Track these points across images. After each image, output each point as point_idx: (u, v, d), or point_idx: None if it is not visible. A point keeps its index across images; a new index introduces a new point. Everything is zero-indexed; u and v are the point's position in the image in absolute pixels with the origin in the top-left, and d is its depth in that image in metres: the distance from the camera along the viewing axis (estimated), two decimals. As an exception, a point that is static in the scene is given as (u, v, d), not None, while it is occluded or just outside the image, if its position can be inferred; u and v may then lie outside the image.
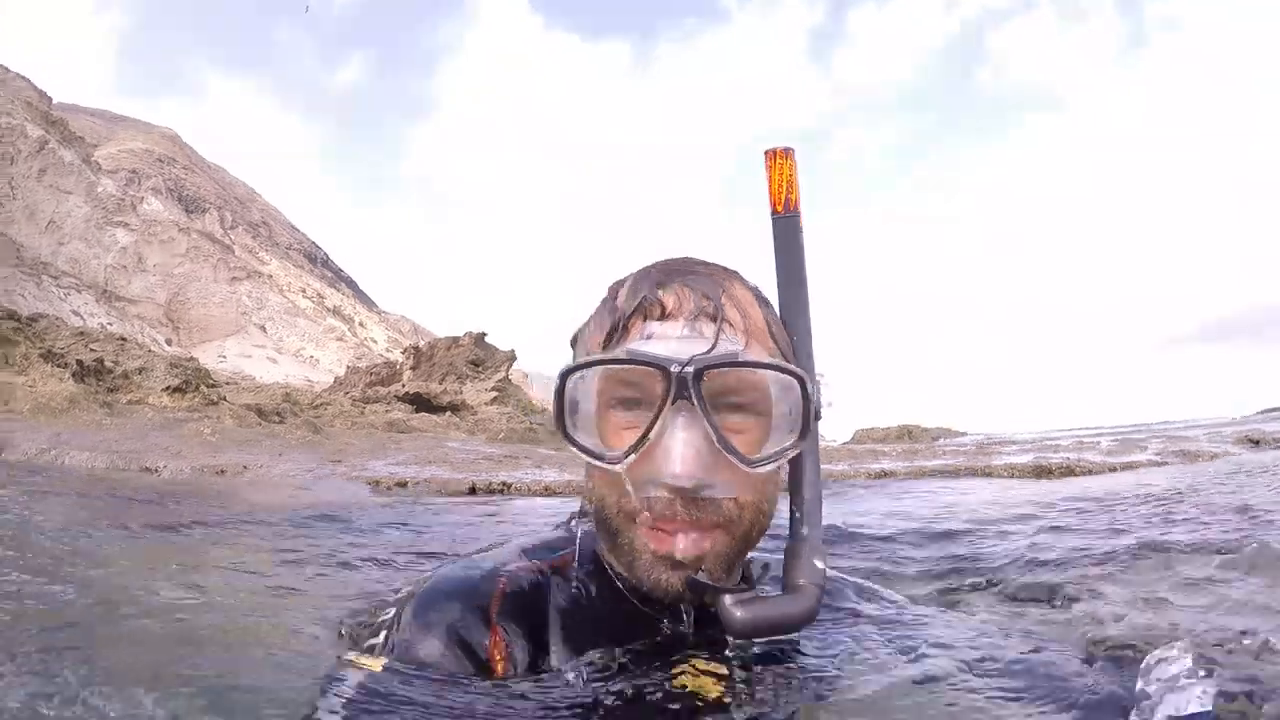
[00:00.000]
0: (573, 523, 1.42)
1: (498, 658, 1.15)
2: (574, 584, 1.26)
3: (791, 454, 1.23)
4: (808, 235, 1.34)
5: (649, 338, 1.18)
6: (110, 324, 40.61)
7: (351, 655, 1.18)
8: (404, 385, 36.54)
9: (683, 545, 1.12)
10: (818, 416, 1.27)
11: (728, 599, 1.16)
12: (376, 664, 1.12)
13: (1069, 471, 7.77)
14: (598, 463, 1.17)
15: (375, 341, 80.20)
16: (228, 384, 24.25)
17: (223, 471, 9.12)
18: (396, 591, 1.34)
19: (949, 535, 4.19)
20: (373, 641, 1.23)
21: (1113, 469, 7.75)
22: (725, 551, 1.17)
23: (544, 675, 1.15)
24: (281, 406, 16.47)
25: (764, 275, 1.38)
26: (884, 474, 8.26)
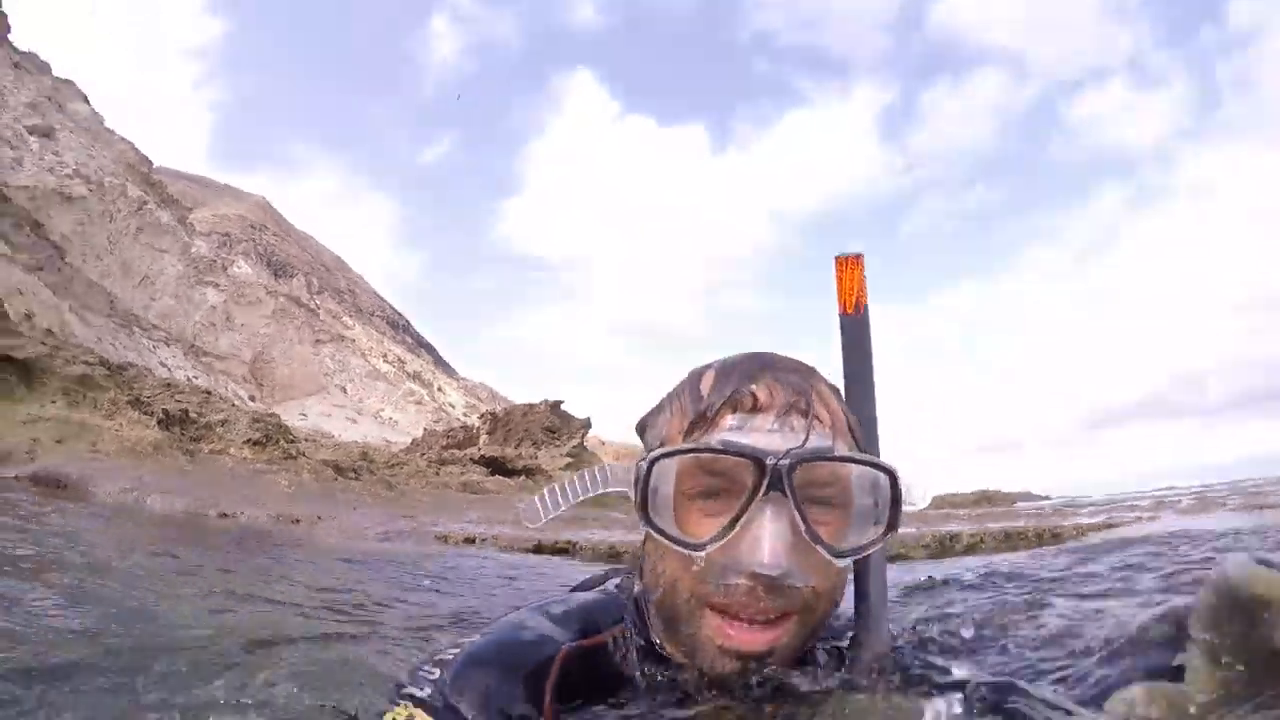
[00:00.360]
0: (609, 583, 1.42)
1: None
2: (624, 660, 1.24)
3: (877, 546, 1.24)
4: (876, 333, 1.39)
5: (739, 429, 1.19)
6: (196, 378, 41.53)
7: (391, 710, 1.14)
8: (480, 449, 36.73)
9: (749, 640, 1.10)
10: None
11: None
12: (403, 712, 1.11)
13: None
14: (681, 549, 1.15)
15: (453, 406, 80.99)
16: (307, 440, 24.45)
17: (297, 521, 8.92)
18: (453, 647, 1.24)
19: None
20: (413, 691, 1.16)
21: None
22: (795, 643, 1.16)
23: None
24: (358, 464, 16.55)
25: (825, 366, 1.41)
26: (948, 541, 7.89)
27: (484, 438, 41.46)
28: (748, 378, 1.23)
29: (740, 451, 1.13)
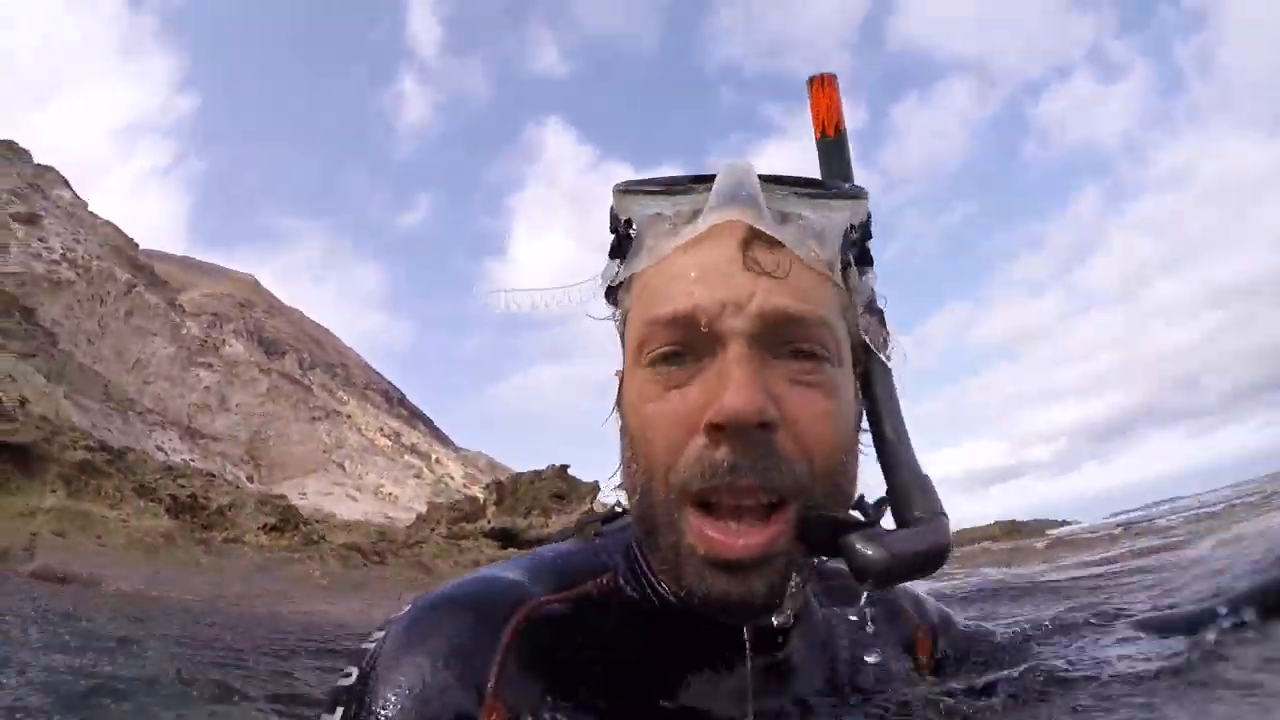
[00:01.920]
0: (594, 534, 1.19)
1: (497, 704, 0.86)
2: (610, 615, 1.03)
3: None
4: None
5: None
6: (194, 460, 41.05)
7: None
8: (489, 520, 36.24)
9: (735, 546, 0.91)
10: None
11: (855, 538, 0.95)
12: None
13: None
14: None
15: (453, 478, 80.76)
16: (317, 521, 24.09)
17: (343, 625, 8.20)
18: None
19: None
20: (343, 682, 0.92)
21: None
22: (793, 551, 0.94)
23: None
24: (380, 545, 16.21)
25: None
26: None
27: (492, 509, 40.96)
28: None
29: (696, 178, 1.01)
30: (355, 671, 0.91)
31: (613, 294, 1.13)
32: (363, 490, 63.77)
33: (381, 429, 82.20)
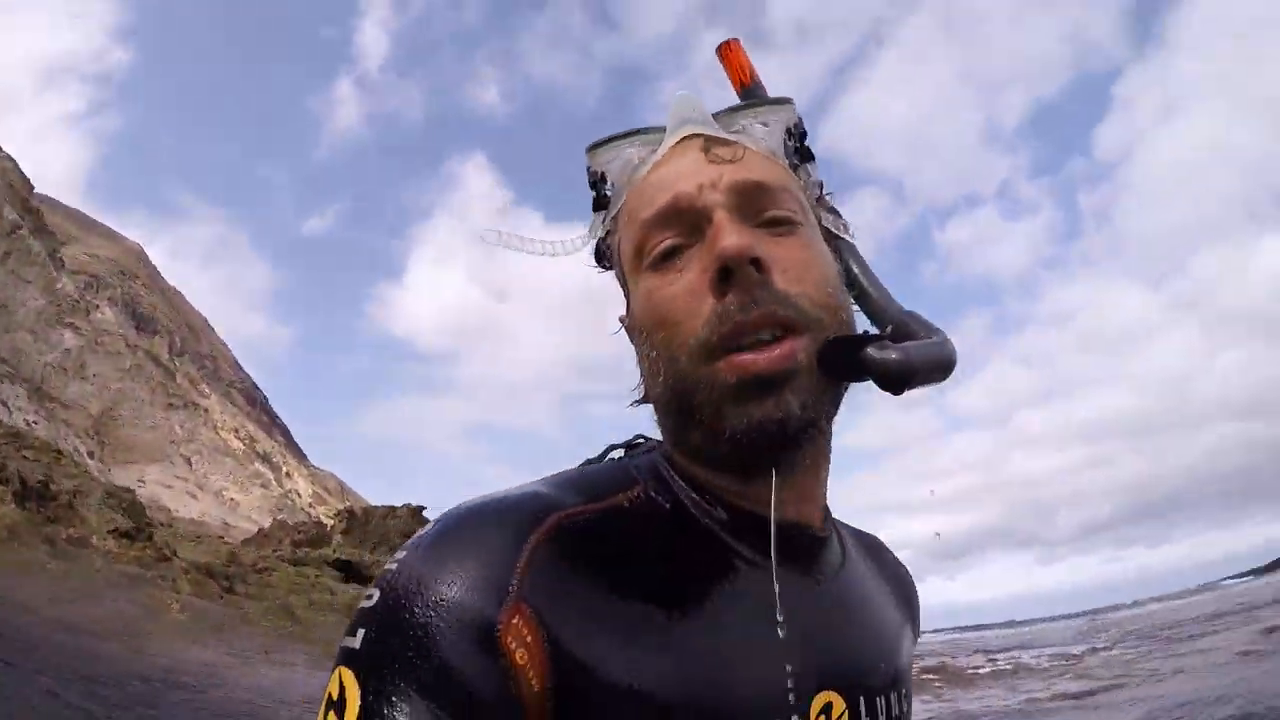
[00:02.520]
0: (612, 456, 1.18)
1: (520, 652, 0.83)
2: (646, 523, 0.99)
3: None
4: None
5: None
6: (36, 423, 38.75)
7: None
8: (334, 550, 35.10)
9: (767, 356, 0.93)
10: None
11: (872, 348, 0.98)
12: (352, 692, 0.81)
13: None
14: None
15: (299, 495, 78.07)
16: (163, 524, 22.97)
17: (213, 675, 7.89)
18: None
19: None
20: (366, 600, 0.88)
21: None
22: (813, 368, 0.95)
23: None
24: (231, 570, 15.68)
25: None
26: None
27: (339, 537, 39.77)
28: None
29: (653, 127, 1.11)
30: (377, 593, 0.89)
31: (603, 257, 1.20)
32: (204, 490, 60.83)
33: (237, 431, 78.97)
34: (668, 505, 1.03)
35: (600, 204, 1.12)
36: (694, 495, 1.03)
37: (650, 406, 1.10)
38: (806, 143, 1.16)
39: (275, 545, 34.74)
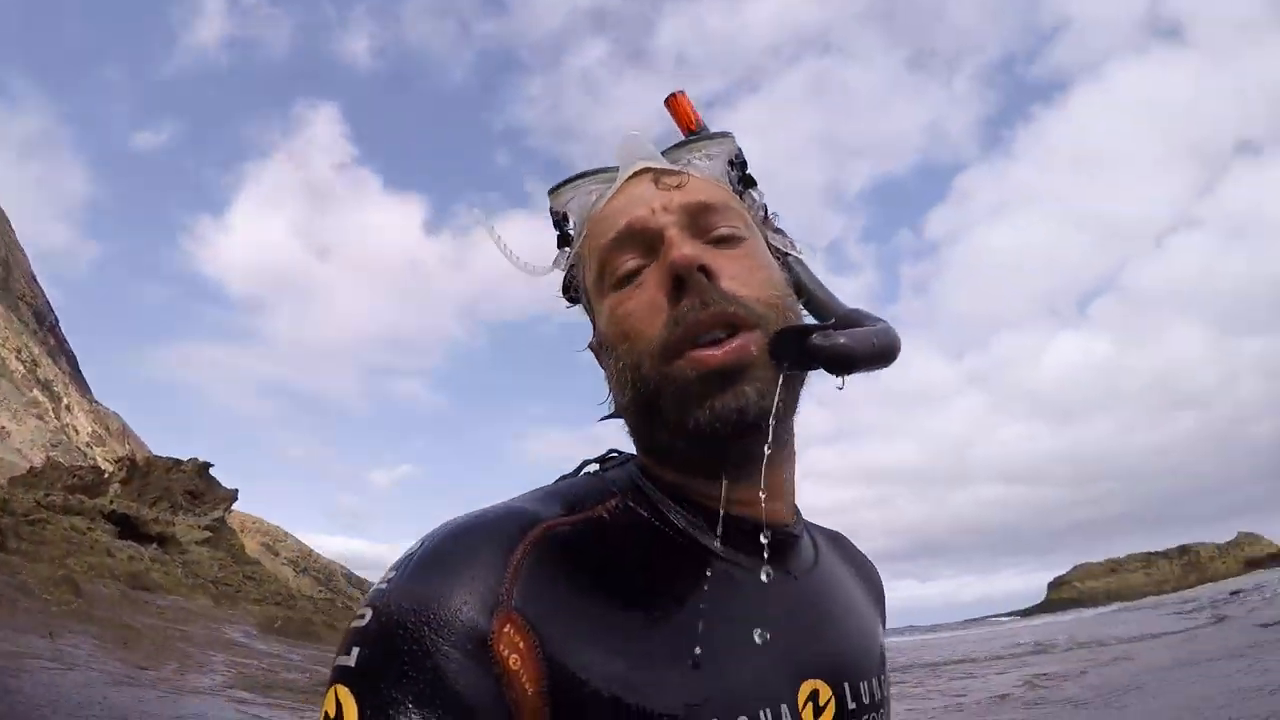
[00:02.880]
0: (585, 470, 1.22)
1: (512, 657, 0.88)
2: (625, 533, 1.06)
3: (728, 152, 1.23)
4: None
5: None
6: None
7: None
8: (111, 501, 32.92)
9: (722, 350, 0.99)
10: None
11: (818, 336, 1.05)
12: (349, 708, 0.84)
13: None
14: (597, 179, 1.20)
15: (77, 432, 73.28)
16: None
17: None
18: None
19: None
20: (358, 620, 0.92)
21: None
22: (764, 359, 1.02)
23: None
24: (3, 522, 14.77)
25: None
26: None
27: (116, 487, 37.48)
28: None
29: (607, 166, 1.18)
30: (369, 612, 0.91)
31: (569, 289, 1.26)
32: (-28, 413, 56.28)
33: (19, 351, 73.27)
34: (645, 513, 1.08)
35: (564, 240, 1.19)
36: (669, 501, 1.08)
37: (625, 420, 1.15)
38: (748, 171, 1.23)
39: (47, 488, 32.35)
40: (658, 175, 1.13)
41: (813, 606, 1.12)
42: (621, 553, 1.03)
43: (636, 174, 1.14)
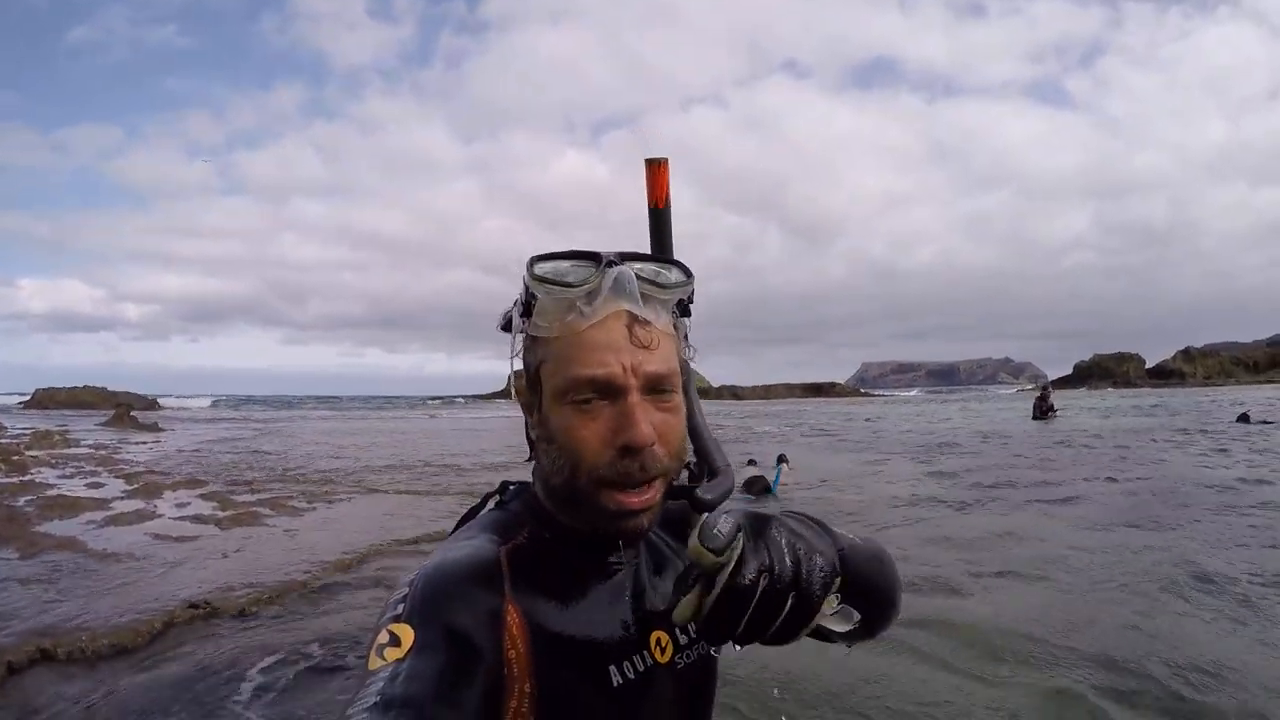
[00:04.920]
0: (490, 505, 1.47)
1: (514, 629, 1.17)
2: (543, 552, 1.32)
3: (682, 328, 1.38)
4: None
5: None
6: None
7: (376, 651, 1.03)
8: None
9: (638, 500, 1.24)
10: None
11: (699, 491, 1.41)
12: (407, 634, 1.05)
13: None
14: (562, 291, 1.22)
15: None
16: None
17: None
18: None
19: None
20: (380, 640, 1.06)
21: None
22: (660, 498, 1.30)
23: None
24: None
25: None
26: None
27: None
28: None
29: (579, 254, 1.24)
30: (405, 589, 1.12)
31: (508, 328, 1.34)
32: None
33: None
34: (548, 536, 1.33)
35: (528, 311, 1.26)
36: (566, 527, 1.33)
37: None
38: (691, 304, 1.38)
39: None
40: (632, 321, 1.23)
41: (652, 579, 1.38)
42: (546, 562, 1.28)
43: (615, 310, 1.23)
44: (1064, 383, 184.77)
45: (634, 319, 1.23)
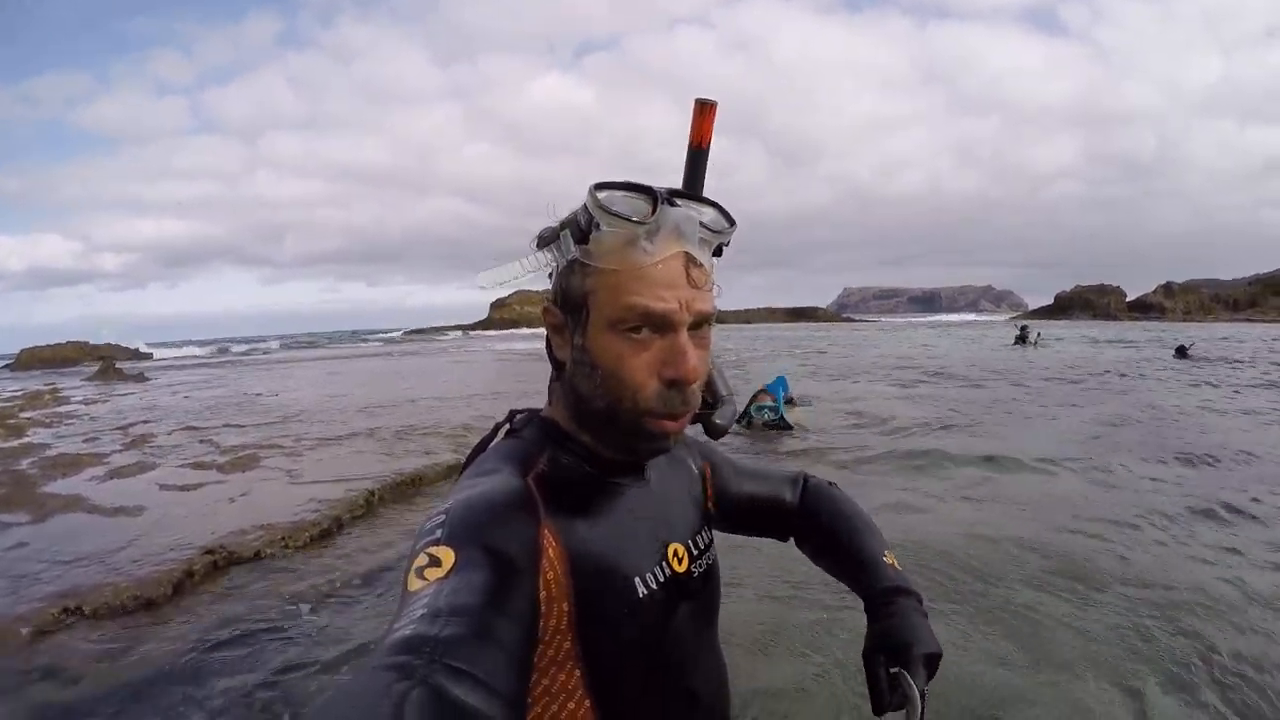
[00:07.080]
0: (500, 434, 1.48)
1: (551, 552, 1.20)
2: (565, 476, 1.35)
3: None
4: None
5: None
6: None
7: (415, 572, 1.04)
8: None
9: (675, 426, 1.30)
10: None
11: (715, 418, 1.62)
12: (448, 554, 1.05)
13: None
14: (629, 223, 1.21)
15: None
16: None
17: None
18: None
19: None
20: (420, 563, 1.07)
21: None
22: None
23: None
24: None
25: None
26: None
27: None
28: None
29: (634, 186, 1.24)
30: (443, 515, 1.14)
31: (546, 243, 1.34)
32: None
33: None
34: (566, 461, 1.36)
35: (582, 238, 1.27)
36: (586, 451, 1.38)
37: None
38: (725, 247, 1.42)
39: None
40: (688, 263, 1.26)
41: (661, 496, 1.45)
42: (568, 486, 1.32)
43: (675, 251, 1.25)
44: (1045, 312, 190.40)
45: (690, 260, 1.26)
